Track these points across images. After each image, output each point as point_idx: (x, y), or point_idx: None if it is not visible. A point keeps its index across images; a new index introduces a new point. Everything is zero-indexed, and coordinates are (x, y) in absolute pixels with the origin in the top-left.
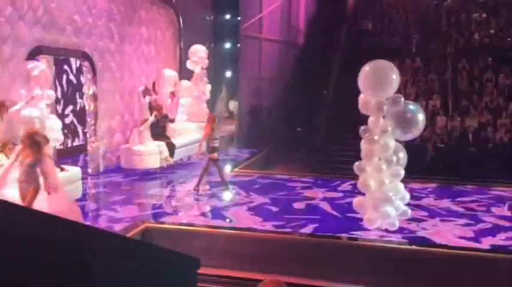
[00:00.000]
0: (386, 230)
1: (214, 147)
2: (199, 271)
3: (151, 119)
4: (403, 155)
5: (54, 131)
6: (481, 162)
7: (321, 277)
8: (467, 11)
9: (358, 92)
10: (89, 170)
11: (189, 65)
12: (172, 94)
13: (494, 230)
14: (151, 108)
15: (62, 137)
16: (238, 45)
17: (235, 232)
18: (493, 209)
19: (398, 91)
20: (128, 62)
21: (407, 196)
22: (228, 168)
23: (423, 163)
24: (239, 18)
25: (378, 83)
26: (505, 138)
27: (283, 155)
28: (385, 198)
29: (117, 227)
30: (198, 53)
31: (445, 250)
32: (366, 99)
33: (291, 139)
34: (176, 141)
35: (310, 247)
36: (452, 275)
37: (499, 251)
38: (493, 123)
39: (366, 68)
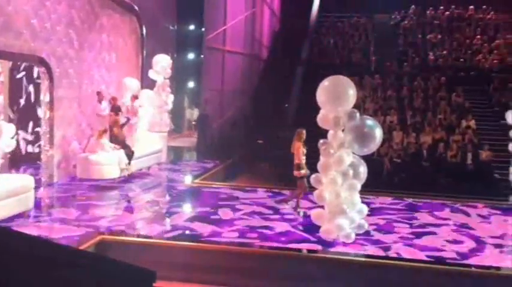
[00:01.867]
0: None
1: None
2: (156, 285)
3: (122, 119)
4: (363, 169)
5: (4, 137)
6: (434, 177)
7: None
8: (423, 32)
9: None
10: (43, 179)
11: (152, 74)
12: (134, 97)
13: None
14: (113, 109)
15: (14, 144)
16: (202, 56)
17: (193, 244)
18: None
19: (358, 107)
20: (88, 69)
21: (365, 209)
22: (188, 179)
23: (380, 177)
24: (203, 29)
25: (336, 98)
26: (457, 155)
27: (245, 166)
28: (339, 210)
29: (70, 239)
30: (161, 63)
31: (401, 263)
32: (324, 114)
33: (252, 151)
34: (136, 151)
35: (268, 259)
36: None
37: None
38: (446, 140)
39: (325, 84)
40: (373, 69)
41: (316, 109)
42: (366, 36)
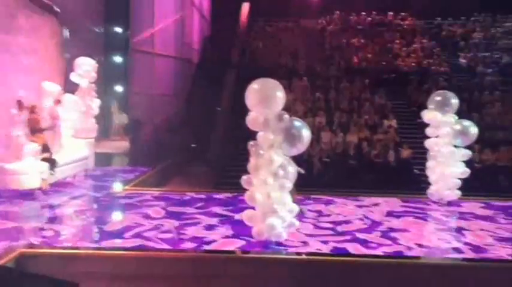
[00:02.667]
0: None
1: None
2: None
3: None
4: (292, 169)
5: None
6: (360, 174)
7: None
8: (347, 36)
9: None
10: None
11: (74, 78)
12: (57, 102)
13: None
14: (31, 114)
15: None
16: (129, 59)
17: (118, 252)
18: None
19: (288, 109)
20: (3, 73)
21: (296, 208)
22: (118, 186)
23: (310, 177)
24: (130, 32)
25: (265, 100)
26: (380, 153)
27: (178, 171)
28: (270, 210)
29: None
30: (84, 66)
31: (335, 258)
32: (254, 116)
33: (185, 155)
34: (61, 158)
35: (200, 264)
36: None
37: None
38: (371, 139)
39: (253, 86)
40: (302, 72)
41: (248, 112)
42: (294, 40)
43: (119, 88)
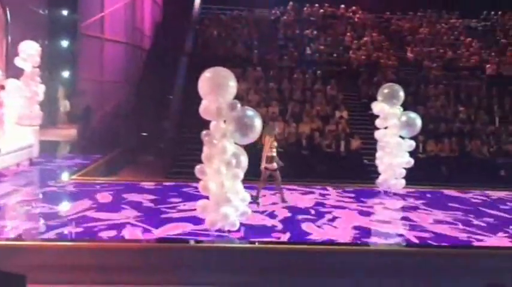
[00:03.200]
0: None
1: (271, 156)
2: None
3: None
4: (244, 158)
5: None
6: (312, 164)
7: (168, 282)
8: (301, 28)
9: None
10: None
11: (19, 62)
12: (0, 87)
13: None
14: None
15: None
16: (77, 44)
17: (65, 243)
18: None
19: (241, 98)
20: None
21: (248, 197)
22: (65, 176)
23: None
24: (78, 15)
25: (217, 89)
26: (332, 144)
27: (129, 160)
28: (224, 199)
29: None
30: (28, 50)
31: (289, 246)
32: (206, 105)
33: (137, 144)
34: (3, 145)
35: (141, 253)
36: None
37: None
38: (323, 130)
39: (206, 75)
40: (256, 62)
41: (201, 100)
42: (248, 30)
43: (65, 74)
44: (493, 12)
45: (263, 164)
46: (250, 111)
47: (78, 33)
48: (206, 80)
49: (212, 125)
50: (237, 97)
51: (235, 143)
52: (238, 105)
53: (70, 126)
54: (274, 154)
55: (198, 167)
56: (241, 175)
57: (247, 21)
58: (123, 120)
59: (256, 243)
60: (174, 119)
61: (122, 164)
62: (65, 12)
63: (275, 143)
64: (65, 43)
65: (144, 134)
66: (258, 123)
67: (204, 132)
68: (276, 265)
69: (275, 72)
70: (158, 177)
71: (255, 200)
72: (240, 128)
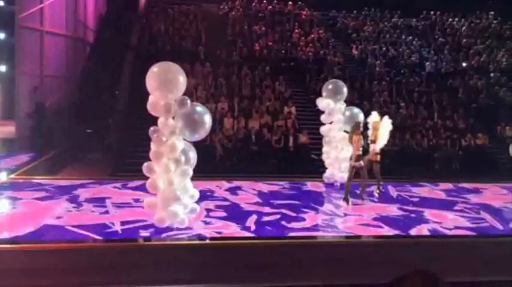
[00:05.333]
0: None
1: (358, 155)
2: None
3: None
4: (193, 154)
5: None
6: (261, 160)
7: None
8: (249, 23)
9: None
10: None
11: None
12: None
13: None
14: None
15: None
16: (15, 36)
17: (9, 246)
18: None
19: (190, 94)
20: None
21: (197, 193)
22: (3, 175)
23: (213, 163)
24: (15, 6)
25: (165, 84)
26: (281, 139)
27: (73, 158)
28: (173, 197)
29: None
30: None
31: (239, 241)
32: (154, 100)
33: (81, 141)
34: None
35: (100, 254)
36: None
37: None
38: (271, 125)
39: (154, 69)
40: (204, 57)
41: (148, 96)
42: (197, 25)
43: (2, 68)
44: (432, 12)
45: (352, 163)
46: (199, 108)
47: (16, 25)
48: (154, 75)
49: (160, 121)
50: (185, 93)
51: (184, 140)
52: (188, 101)
53: (10, 123)
54: (360, 152)
55: (145, 164)
56: (191, 172)
57: (196, 16)
58: (66, 116)
59: (207, 240)
60: (120, 116)
61: (65, 162)
62: (1, 3)
63: (362, 141)
64: (1, 35)
65: (89, 130)
66: (207, 119)
67: (151, 129)
68: (232, 261)
69: (224, 68)
70: (104, 175)
71: (345, 199)
72: (189, 124)
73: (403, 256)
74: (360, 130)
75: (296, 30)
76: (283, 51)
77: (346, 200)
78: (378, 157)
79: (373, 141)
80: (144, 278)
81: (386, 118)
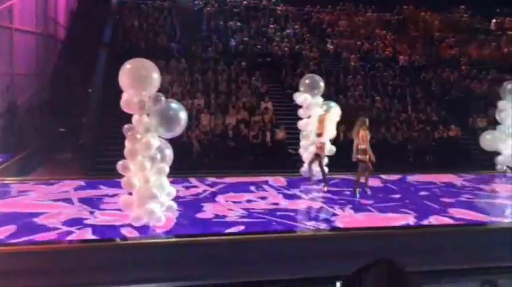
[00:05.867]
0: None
1: (363, 148)
2: None
3: None
4: (169, 152)
5: None
6: (239, 155)
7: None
8: (224, 19)
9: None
10: None
11: None
12: None
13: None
14: None
15: None
16: None
17: None
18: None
19: (166, 91)
20: None
21: (174, 191)
22: None
23: (190, 159)
24: None
25: (139, 81)
26: (258, 134)
27: (46, 158)
28: (149, 195)
29: None
30: None
31: (213, 238)
32: (127, 98)
33: (54, 140)
34: None
35: (72, 255)
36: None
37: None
38: (248, 121)
39: (127, 66)
40: (179, 53)
41: (122, 93)
42: (171, 20)
43: None
44: (405, 7)
45: (356, 156)
46: (174, 104)
47: None
48: (127, 72)
49: (135, 119)
50: (161, 90)
51: (160, 137)
52: (162, 98)
53: None
54: (365, 147)
55: (120, 162)
56: (167, 169)
57: (170, 11)
58: (38, 115)
59: (184, 237)
60: (93, 114)
61: (38, 162)
62: None
63: (369, 136)
64: None
65: (62, 129)
66: (182, 116)
67: (126, 126)
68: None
69: (199, 64)
70: (78, 175)
71: (354, 192)
72: (164, 121)
73: (360, 248)
74: (366, 125)
75: (271, 26)
76: (258, 47)
77: (354, 193)
78: (324, 150)
79: (320, 135)
80: (119, 278)
81: (333, 110)
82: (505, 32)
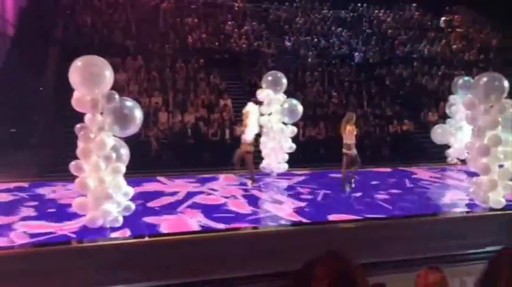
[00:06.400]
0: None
1: (350, 143)
2: None
3: None
4: (125, 151)
5: None
6: (198, 153)
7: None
8: (181, 15)
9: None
10: None
11: None
12: None
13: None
14: None
15: None
16: None
17: None
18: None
19: (122, 89)
20: None
21: (131, 191)
22: None
23: (148, 158)
24: None
25: (90, 79)
26: (217, 132)
27: None
28: (104, 195)
29: None
30: None
31: (175, 237)
32: (79, 96)
33: (3, 141)
34: None
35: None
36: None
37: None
38: (207, 118)
39: (77, 64)
40: (135, 50)
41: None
42: (126, 17)
43: None
44: (359, 4)
45: (344, 151)
46: (129, 102)
47: None
48: (77, 69)
49: (87, 117)
50: (117, 88)
51: (114, 136)
52: (116, 96)
53: None
54: (351, 142)
55: (73, 163)
56: (123, 169)
57: (125, 8)
58: None
59: (146, 237)
60: (45, 113)
61: None
62: None
63: (355, 132)
64: None
65: (12, 130)
66: (138, 114)
67: (78, 125)
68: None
69: (157, 62)
70: (31, 177)
71: (343, 185)
72: (119, 120)
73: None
74: (353, 121)
75: (229, 22)
76: (216, 44)
77: (343, 187)
78: (249, 147)
79: (243, 132)
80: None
81: (251, 105)
82: (454, 30)
